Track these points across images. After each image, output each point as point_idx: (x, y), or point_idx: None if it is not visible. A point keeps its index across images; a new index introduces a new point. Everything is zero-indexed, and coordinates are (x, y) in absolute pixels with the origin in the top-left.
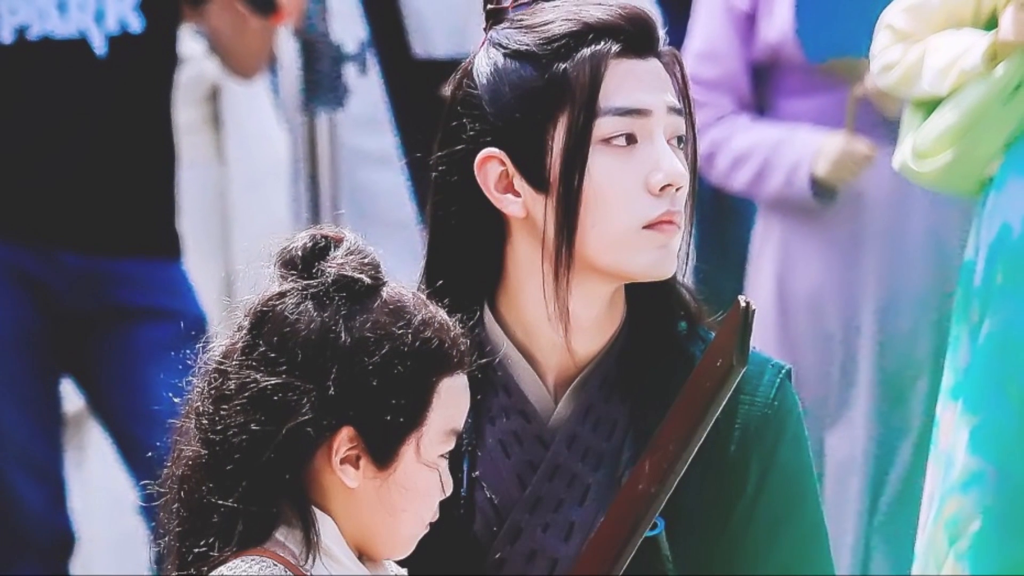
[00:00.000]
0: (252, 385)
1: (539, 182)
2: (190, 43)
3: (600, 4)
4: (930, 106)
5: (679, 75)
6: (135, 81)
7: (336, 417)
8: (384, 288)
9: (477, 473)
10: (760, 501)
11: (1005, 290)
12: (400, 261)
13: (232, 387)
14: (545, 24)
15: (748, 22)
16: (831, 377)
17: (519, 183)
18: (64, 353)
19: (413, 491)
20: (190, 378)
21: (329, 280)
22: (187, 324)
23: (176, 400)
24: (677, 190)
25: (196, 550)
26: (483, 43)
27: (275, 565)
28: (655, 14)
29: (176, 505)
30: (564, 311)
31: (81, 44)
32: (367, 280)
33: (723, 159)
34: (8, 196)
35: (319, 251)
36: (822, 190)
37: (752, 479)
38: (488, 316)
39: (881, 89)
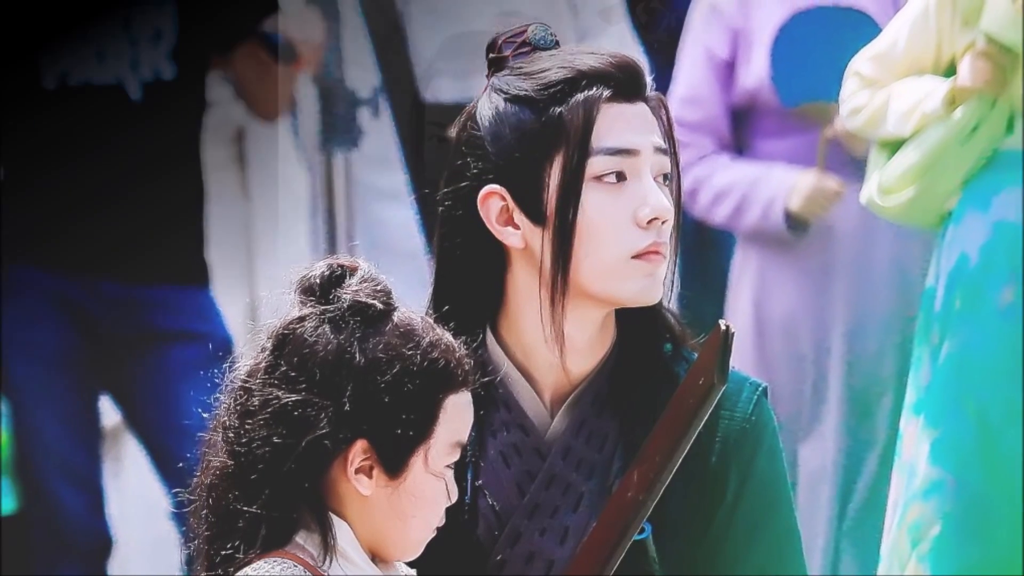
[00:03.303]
0: (274, 401)
1: (537, 216)
2: (218, 89)
3: (592, 53)
4: (894, 146)
5: (665, 118)
6: (167, 123)
7: (351, 431)
8: (395, 313)
9: (480, 482)
10: (739, 507)
11: (963, 315)
12: (410, 288)
13: (256, 403)
14: (542, 71)
15: (728, 70)
16: (804, 394)
17: (518, 217)
18: (103, 372)
19: (422, 498)
20: (217, 395)
21: (345, 305)
22: (215, 346)
23: (205, 415)
24: (663, 223)
25: (223, 552)
26: (485, 89)
27: (295, 566)
28: (643, 62)
29: (205, 511)
30: (559, 334)
31: (118, 90)
32: (380, 305)
33: (705, 195)
34: (52, 230)
35: (336, 279)
36: (795, 223)
37: (731, 487)
38: (490, 338)
39: (849, 131)
